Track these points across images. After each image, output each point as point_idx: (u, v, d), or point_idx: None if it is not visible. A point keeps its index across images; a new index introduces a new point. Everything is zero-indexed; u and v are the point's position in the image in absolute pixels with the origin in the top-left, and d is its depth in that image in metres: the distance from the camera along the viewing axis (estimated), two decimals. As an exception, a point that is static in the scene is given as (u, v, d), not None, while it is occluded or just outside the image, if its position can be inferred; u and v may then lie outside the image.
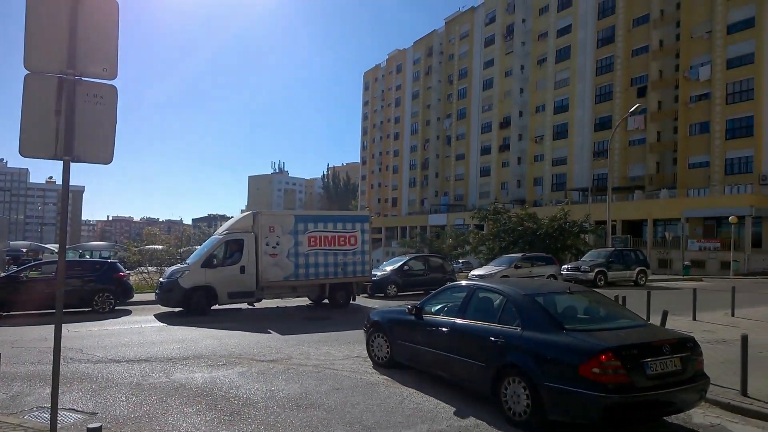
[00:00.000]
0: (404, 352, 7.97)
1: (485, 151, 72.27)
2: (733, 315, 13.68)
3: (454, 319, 7.04)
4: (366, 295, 19.98)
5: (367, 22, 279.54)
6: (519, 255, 25.80)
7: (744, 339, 6.99)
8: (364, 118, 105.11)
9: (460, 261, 42.40)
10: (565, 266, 26.73)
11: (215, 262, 15.40)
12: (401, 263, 21.60)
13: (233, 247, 15.70)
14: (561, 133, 60.24)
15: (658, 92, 50.23)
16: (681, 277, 32.34)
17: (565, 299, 6.70)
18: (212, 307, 15.44)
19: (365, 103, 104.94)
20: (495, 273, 23.26)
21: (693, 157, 46.34)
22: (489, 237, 35.09)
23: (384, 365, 8.35)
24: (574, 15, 59.14)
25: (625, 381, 5.20)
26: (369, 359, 8.76)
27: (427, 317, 7.58)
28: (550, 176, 61.51)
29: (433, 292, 8.38)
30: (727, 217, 36.34)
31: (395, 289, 20.58)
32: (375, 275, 20.15)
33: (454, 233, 49.23)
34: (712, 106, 44.59)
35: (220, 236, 16.23)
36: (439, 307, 7.69)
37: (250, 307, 16.51)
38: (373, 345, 8.67)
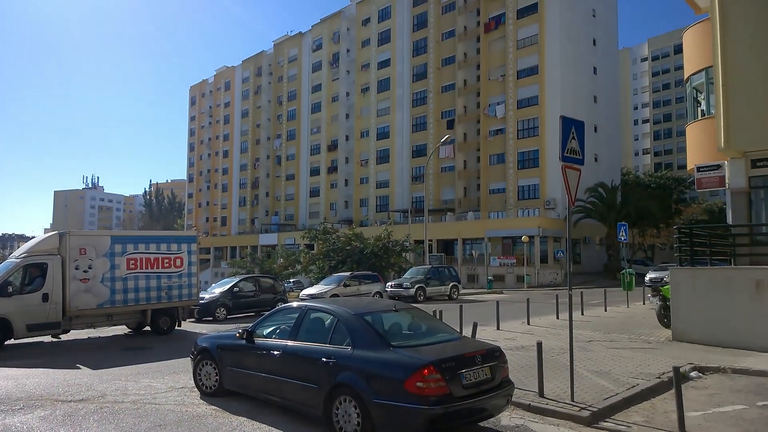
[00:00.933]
0: (235, 379, 7.72)
1: (314, 172, 73.59)
2: (528, 323, 15.76)
3: (287, 342, 7.00)
4: (193, 319, 18.97)
5: (196, 34, 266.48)
6: (347, 274, 26.71)
7: (539, 345, 7.85)
8: (191, 133, 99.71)
9: (291, 281, 42.34)
10: (389, 283, 28.36)
11: (11, 289, 13.32)
12: (231, 285, 20.91)
13: (34, 272, 13.78)
14: (384, 158, 64.07)
15: (464, 125, 56.41)
16: (486, 290, 36.47)
17: (391, 317, 6.97)
18: (6, 342, 13.37)
19: (192, 118, 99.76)
20: (325, 292, 23.74)
21: (493, 183, 52.87)
22: (319, 256, 35.68)
23: (213, 394, 8.02)
24: (392, 51, 63.89)
25: (446, 392, 5.51)
26: (196, 389, 8.33)
27: (258, 341, 7.43)
28: (374, 198, 64.82)
29: (265, 314, 8.22)
30: (521, 237, 42.18)
31: (225, 312, 19.84)
32: (203, 298, 19.27)
33: (285, 253, 48.99)
34: (506, 140, 51.53)
35: (18, 260, 14.07)
36: (271, 329, 7.56)
37: (54, 339, 14.54)
38: (200, 373, 8.22)
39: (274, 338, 7.34)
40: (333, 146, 71.02)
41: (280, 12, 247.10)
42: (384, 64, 64.89)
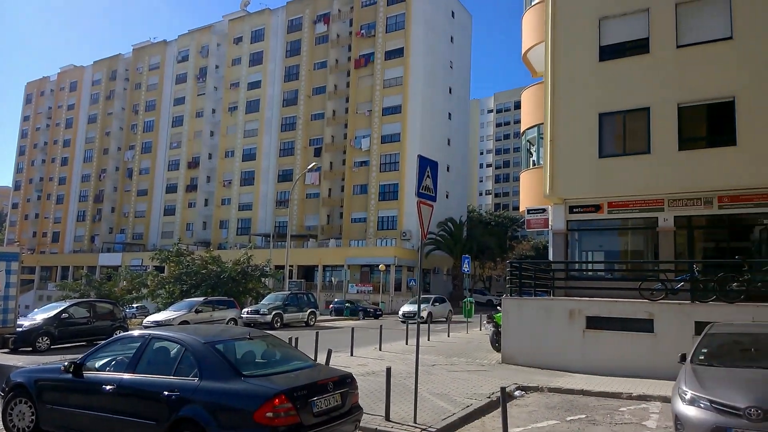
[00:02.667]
0: (55, 419, 6.84)
1: (171, 189, 69.45)
2: (380, 349, 16.51)
3: (122, 375, 6.41)
4: (7, 350, 16.71)
5: (40, 27, 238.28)
6: (200, 299, 25.57)
7: (388, 371, 8.35)
8: (23, 135, 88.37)
9: (135, 306, 39.08)
10: (246, 309, 27.69)
11: None
12: (59, 310, 18.57)
13: None
14: (248, 179, 62.73)
15: (331, 154, 57.64)
16: (343, 316, 37.14)
17: (244, 345, 6.76)
18: None
19: (25, 118, 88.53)
20: (173, 318, 22.47)
21: (355, 212, 54.48)
22: (170, 280, 33.61)
23: (25, 439, 6.96)
24: (264, 73, 63.57)
25: (296, 422, 5.51)
26: (4, 433, 7.27)
27: (88, 374, 6.69)
28: (236, 220, 62.90)
29: (100, 344, 7.49)
30: (378, 265, 43.84)
31: (48, 342, 17.51)
32: (21, 325, 16.98)
33: (129, 275, 45.15)
34: (370, 172, 53.66)
35: None
36: (105, 361, 6.88)
37: None
38: (12, 413, 7.17)
39: (109, 371, 6.67)
40: (194, 163, 67.88)
41: (137, 17, 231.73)
42: (254, 85, 64.17)
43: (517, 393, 10.51)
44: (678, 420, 6.64)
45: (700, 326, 10.58)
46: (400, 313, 30.87)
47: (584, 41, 16.54)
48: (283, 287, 36.73)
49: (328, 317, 36.34)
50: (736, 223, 15.49)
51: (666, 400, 8.76)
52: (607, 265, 17.12)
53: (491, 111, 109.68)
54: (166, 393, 5.91)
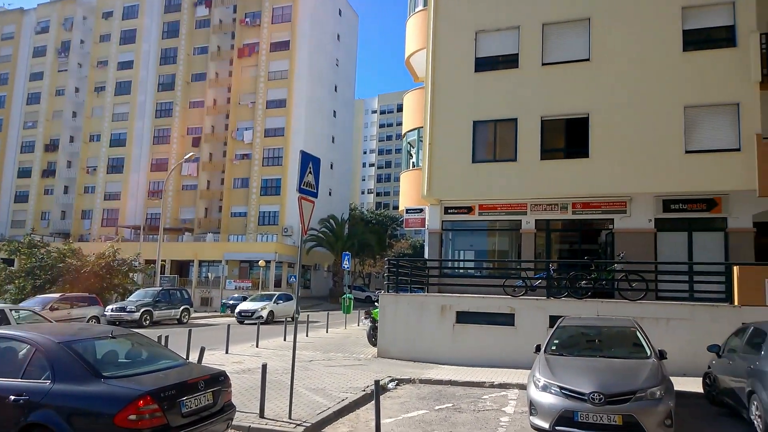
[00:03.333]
0: None
1: (24, 173, 61.96)
2: (257, 346, 16.17)
3: None
4: None
5: None
6: (56, 295, 23.13)
7: (264, 368, 8.22)
8: None
9: (-27, 304, 34.27)
10: (110, 307, 25.56)
11: None
12: None
13: None
14: (117, 167, 57.87)
15: (210, 144, 55.07)
16: (219, 313, 35.72)
17: (106, 344, 6.40)
18: None
19: None
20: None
21: (235, 206, 52.60)
22: (20, 274, 30.00)
23: None
24: (137, 53, 59.00)
25: (162, 423, 5.35)
26: None
27: None
28: (101, 210, 57.71)
29: None
30: (258, 261, 42.77)
31: None
32: None
33: (-31, 268, 39.55)
34: (252, 166, 52.14)
35: None
36: None
37: None
38: None
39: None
40: (52, 146, 61.11)
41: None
42: (126, 65, 59.24)
43: (390, 385, 10.87)
44: (532, 405, 7.32)
45: (554, 320, 11.73)
46: (236, 311, 28.26)
47: (462, 52, 17.51)
48: (155, 283, 34.39)
49: (205, 314, 34.71)
50: (587, 227, 17.35)
51: (524, 387, 9.57)
52: (477, 263, 18.30)
53: (375, 112, 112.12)
54: (12, 398, 5.50)
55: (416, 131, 19.81)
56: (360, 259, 59.15)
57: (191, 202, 54.61)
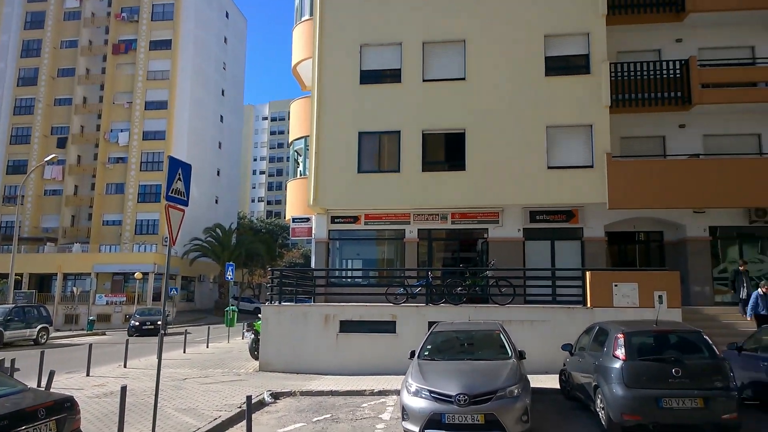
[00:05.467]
0: None
1: None
2: (125, 366, 14.98)
3: None
4: None
5: None
6: None
7: (123, 390, 7.54)
8: None
9: None
10: (-53, 330, 22.30)
11: None
12: None
13: None
14: (-39, 169, 50.98)
15: (79, 146, 50.55)
16: (86, 332, 32.64)
17: None
18: None
19: None
20: None
21: (108, 214, 48.59)
22: None
23: None
24: (-7, 43, 52.75)
25: None
26: None
27: None
28: (-61, 218, 50.40)
29: None
30: (134, 273, 39.82)
31: None
32: None
33: None
34: (128, 170, 48.56)
35: None
36: None
37: None
38: None
39: None
40: None
41: None
42: (-23, 55, 52.62)
43: (269, 399, 10.61)
44: (404, 410, 7.52)
45: (432, 325, 12.15)
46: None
47: (347, 63, 17.77)
48: (7, 299, 30.64)
49: (69, 333, 31.47)
50: (465, 236, 18.27)
51: (400, 392, 9.79)
52: (363, 272, 18.53)
53: (266, 118, 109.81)
54: None
55: (303, 140, 19.70)
56: (249, 269, 57.36)
57: (55, 209, 49.55)
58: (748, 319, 12.91)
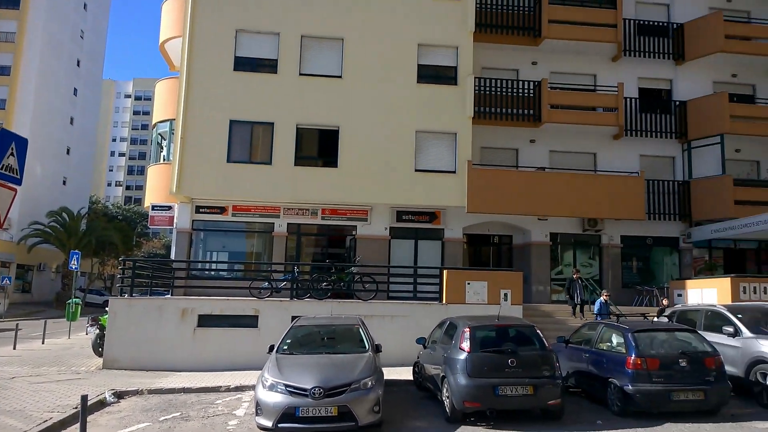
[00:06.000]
0: None
1: None
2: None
3: None
4: None
5: None
6: None
7: None
8: None
9: None
10: None
11: None
12: None
13: None
14: None
15: None
16: None
17: None
18: None
19: None
20: None
21: (-75, 190, 41.52)
22: None
23: None
24: None
25: None
26: None
27: None
28: None
29: None
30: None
31: None
32: None
33: None
34: (-45, 140, 41.88)
35: None
36: None
37: None
38: None
39: None
40: None
41: None
42: None
43: (111, 399, 9.84)
44: (258, 405, 7.43)
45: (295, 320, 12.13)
46: None
47: (221, 47, 17.07)
48: None
49: None
50: (335, 232, 18.48)
51: (258, 388, 9.64)
52: (229, 265, 17.92)
53: (129, 96, 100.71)
54: None
55: (168, 123, 18.54)
56: (101, 259, 52.39)
57: None
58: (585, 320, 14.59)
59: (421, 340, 10.62)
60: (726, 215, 18.06)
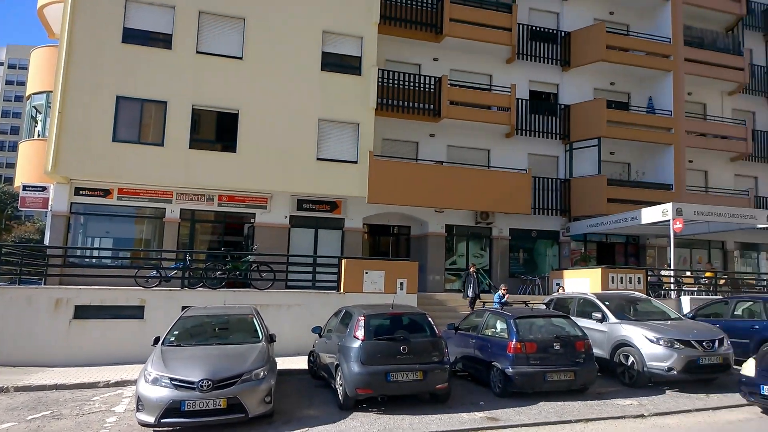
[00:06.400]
0: None
1: None
2: None
3: None
4: None
5: None
6: None
7: None
8: None
9: None
10: None
11: None
12: None
13: None
14: None
15: None
16: None
17: None
18: None
19: None
20: None
21: None
22: None
23: None
24: None
25: None
26: None
27: None
28: None
29: None
30: None
31: None
32: None
33: None
34: None
35: None
36: None
37: None
38: None
39: None
40: None
41: None
42: None
43: (-32, 400, 8.85)
44: (140, 401, 7.04)
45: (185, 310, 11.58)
46: None
47: (108, 16, 15.78)
48: None
49: None
50: (232, 220, 17.87)
51: (142, 382, 9.12)
52: (110, 252, 16.69)
53: (2, 64, 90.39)
54: None
55: (45, 95, 16.91)
56: (-37, 243, 46.62)
57: None
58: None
59: (317, 329, 10.61)
60: (600, 212, 19.83)
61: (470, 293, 15.73)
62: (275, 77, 16.94)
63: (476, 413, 8.14)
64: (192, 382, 7.02)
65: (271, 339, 8.76)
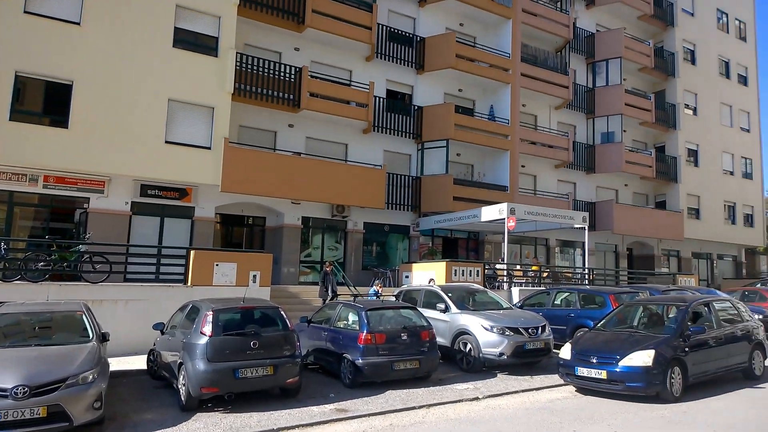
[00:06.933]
0: None
1: None
2: None
3: None
4: None
5: None
6: None
7: None
8: None
9: None
10: None
11: None
12: None
13: None
14: None
15: None
16: None
17: None
18: None
19: None
20: None
21: None
22: None
23: None
24: None
25: None
26: None
27: None
28: None
29: None
30: None
31: None
32: None
33: None
34: None
35: None
36: None
37: None
38: None
39: None
40: None
41: None
42: None
43: None
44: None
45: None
46: None
47: None
48: None
49: None
50: (61, 204, 15.91)
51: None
52: None
53: None
54: None
55: None
56: None
57: None
58: None
59: (158, 326, 9.90)
60: (446, 209, 21.25)
61: (329, 293, 15.04)
62: (119, 49, 15.38)
63: (326, 406, 8.26)
64: (4, 390, 6.16)
65: (103, 338, 7.99)
